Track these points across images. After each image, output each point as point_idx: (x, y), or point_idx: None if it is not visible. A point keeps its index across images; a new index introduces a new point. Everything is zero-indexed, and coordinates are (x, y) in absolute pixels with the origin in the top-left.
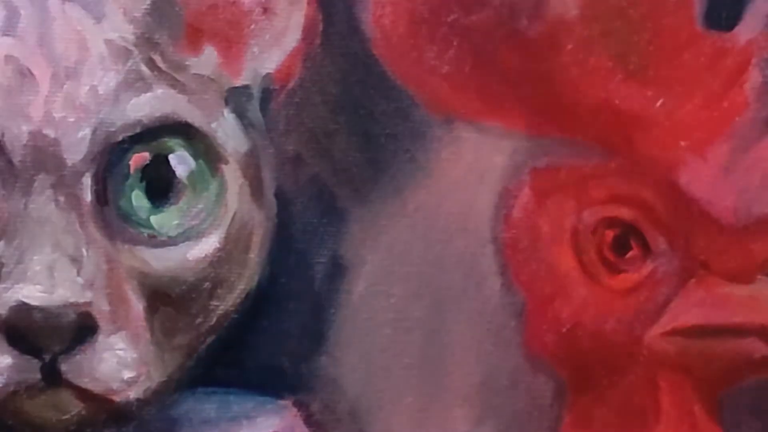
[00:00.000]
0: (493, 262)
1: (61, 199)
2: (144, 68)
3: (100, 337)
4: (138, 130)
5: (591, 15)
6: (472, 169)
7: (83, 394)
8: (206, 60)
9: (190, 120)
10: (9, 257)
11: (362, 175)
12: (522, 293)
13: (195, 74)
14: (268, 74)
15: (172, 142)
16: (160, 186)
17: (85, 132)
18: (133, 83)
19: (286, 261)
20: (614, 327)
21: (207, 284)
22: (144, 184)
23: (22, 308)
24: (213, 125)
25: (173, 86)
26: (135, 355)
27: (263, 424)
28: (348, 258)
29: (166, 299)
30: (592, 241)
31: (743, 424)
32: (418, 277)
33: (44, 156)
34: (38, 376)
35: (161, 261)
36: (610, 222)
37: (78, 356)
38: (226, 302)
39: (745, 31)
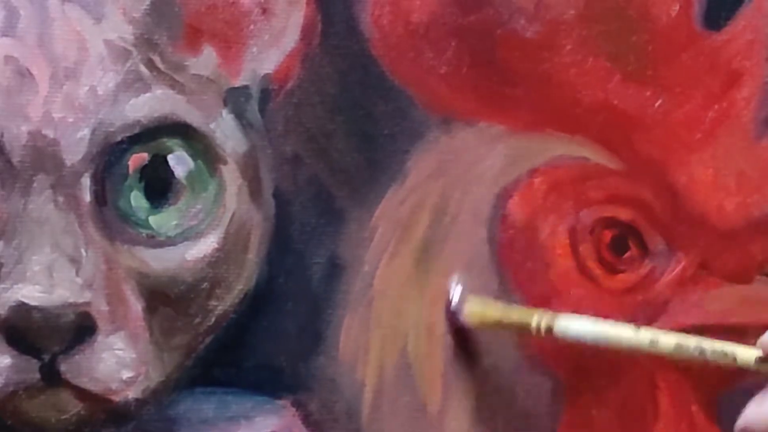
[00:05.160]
0: (491, 263)
1: (60, 199)
2: (143, 69)
3: (99, 337)
4: (137, 130)
5: (589, 16)
6: (469, 170)
7: (82, 393)
8: (205, 60)
9: (188, 120)
10: (8, 257)
11: (360, 176)
12: (519, 293)
13: (194, 75)
14: (266, 75)
15: (170, 142)
16: (159, 186)
17: (84, 132)
18: (132, 84)
19: (285, 261)
20: None
21: (205, 284)
22: (143, 184)
23: (22, 308)
24: (212, 126)
25: (172, 87)
26: (134, 355)
27: (261, 424)
28: (346, 258)
29: (164, 299)
30: (590, 242)
31: None
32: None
33: (43, 156)
34: (37, 375)
35: (160, 261)
36: (608, 222)
37: (77, 356)
38: (225, 302)
39: (743, 31)
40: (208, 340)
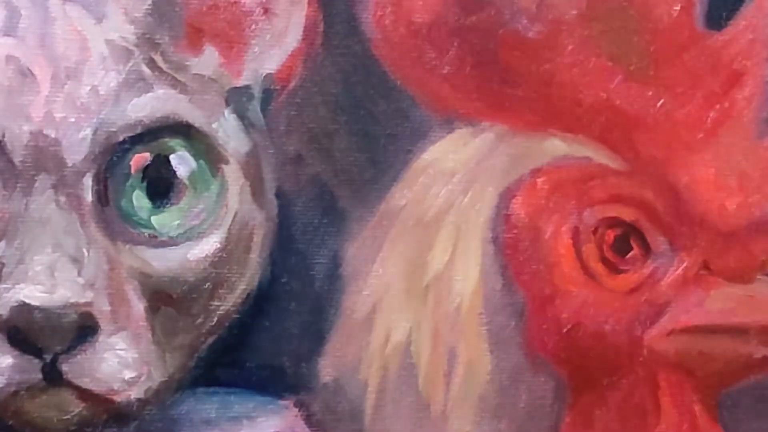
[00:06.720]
0: (493, 262)
1: (62, 199)
2: (145, 68)
3: (101, 337)
4: (139, 130)
5: (591, 16)
6: (472, 170)
7: (84, 393)
8: (207, 60)
9: (190, 120)
10: (10, 257)
11: (362, 176)
12: (522, 293)
13: (196, 74)
14: (268, 74)
15: (173, 142)
16: (161, 186)
17: (86, 132)
18: (134, 83)
19: (287, 261)
20: (614, 327)
21: (208, 284)
22: (145, 184)
23: (23, 308)
24: (214, 125)
25: (174, 86)
26: (136, 355)
27: (264, 424)
28: (348, 258)
29: (167, 299)
30: (592, 241)
31: (743, 423)
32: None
33: (45, 156)
34: (39, 376)
35: (162, 261)
36: (611, 222)
37: (79, 356)
38: (227, 302)
39: (744, 31)
40: (210, 340)
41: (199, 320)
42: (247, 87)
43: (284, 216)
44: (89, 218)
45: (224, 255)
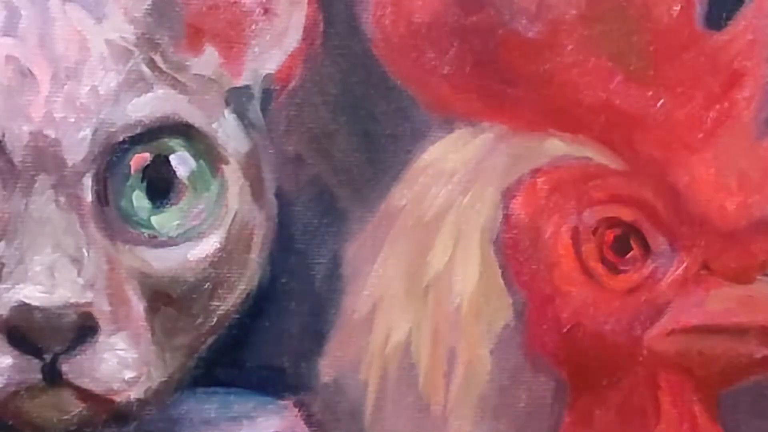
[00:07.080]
0: (493, 262)
1: (62, 199)
2: (145, 68)
3: (101, 338)
4: (139, 130)
5: (591, 16)
6: (472, 170)
7: (84, 394)
8: (207, 60)
9: (190, 120)
10: (10, 257)
11: (362, 176)
12: (522, 293)
13: (196, 74)
14: (268, 75)
15: (172, 142)
16: (161, 186)
17: (86, 132)
18: (134, 83)
19: (287, 261)
20: (614, 327)
21: (208, 284)
22: (145, 184)
23: (23, 308)
24: (214, 125)
25: (174, 87)
26: (135, 356)
27: (264, 424)
28: (348, 258)
29: (166, 299)
30: (592, 241)
31: (743, 424)
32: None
33: (45, 156)
34: (39, 376)
35: (162, 261)
36: (611, 222)
37: (79, 356)
38: (227, 302)
39: (744, 31)
40: (210, 340)
41: (199, 320)
42: (247, 87)
43: (284, 216)
44: (89, 218)
45: (224, 255)
